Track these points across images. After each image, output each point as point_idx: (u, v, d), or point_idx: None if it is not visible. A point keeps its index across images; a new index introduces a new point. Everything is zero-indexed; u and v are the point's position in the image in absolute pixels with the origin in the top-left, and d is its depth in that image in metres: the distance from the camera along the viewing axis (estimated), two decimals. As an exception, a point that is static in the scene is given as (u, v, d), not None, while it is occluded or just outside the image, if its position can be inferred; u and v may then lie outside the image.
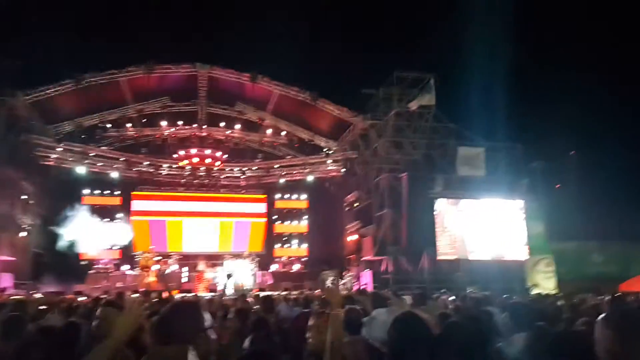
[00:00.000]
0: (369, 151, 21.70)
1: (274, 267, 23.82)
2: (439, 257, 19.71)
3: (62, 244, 20.29)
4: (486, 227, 20.53)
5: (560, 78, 24.64)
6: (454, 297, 10.78)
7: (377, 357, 3.47)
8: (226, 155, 24.93)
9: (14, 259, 19.01)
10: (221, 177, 26.04)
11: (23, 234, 20.79)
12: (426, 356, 2.47)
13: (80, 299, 12.02)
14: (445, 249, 20.06)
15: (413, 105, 20.04)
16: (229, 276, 18.82)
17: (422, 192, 19.73)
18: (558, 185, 23.37)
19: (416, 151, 20.76)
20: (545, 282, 20.02)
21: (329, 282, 21.17)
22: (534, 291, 17.84)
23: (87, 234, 21.20)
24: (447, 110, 21.00)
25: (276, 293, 13.09)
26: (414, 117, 20.81)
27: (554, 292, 16.81)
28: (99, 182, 24.76)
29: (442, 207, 20.33)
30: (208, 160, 24.64)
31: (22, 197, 21.03)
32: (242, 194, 27.17)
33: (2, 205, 18.71)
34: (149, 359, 1.54)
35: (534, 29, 26.79)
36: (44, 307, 7.06)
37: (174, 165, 25.08)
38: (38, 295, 13.90)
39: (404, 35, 27.13)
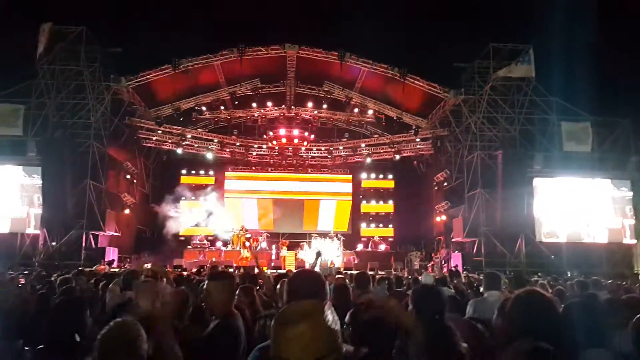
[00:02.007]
0: (461, 128, 20.82)
1: (359, 247, 23.80)
2: (543, 239, 18.69)
3: (161, 221, 21.74)
4: (587, 208, 19.27)
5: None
6: (548, 280, 10.13)
7: (480, 336, 3.28)
8: (313, 135, 25.16)
9: (119, 234, 20.50)
10: (308, 157, 26.39)
11: (127, 211, 22.41)
12: (550, 336, 2.24)
13: (179, 272, 12.77)
14: (543, 231, 18.98)
15: (502, 74, 18.83)
16: (318, 254, 19.05)
17: (519, 170, 18.70)
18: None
19: (513, 127, 19.59)
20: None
21: (416, 264, 20.85)
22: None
23: (184, 212, 22.51)
24: (546, 83, 19.59)
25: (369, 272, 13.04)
26: (511, 91, 19.60)
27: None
28: (195, 162, 26.16)
29: (540, 186, 19.22)
30: (296, 141, 25.04)
31: (127, 176, 22.69)
32: (329, 173, 27.38)
33: (109, 185, 20.22)
34: (294, 307, 1.48)
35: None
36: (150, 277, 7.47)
37: (264, 146, 25.80)
38: (148, 266, 15.02)
39: (499, 4, 25.42)
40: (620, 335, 2.76)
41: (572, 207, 19.31)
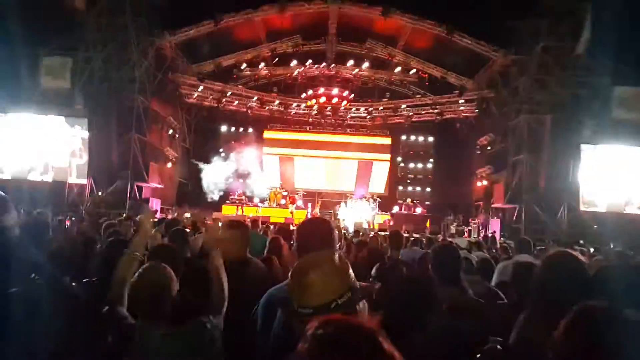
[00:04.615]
0: (508, 90, 19.97)
1: (395, 209, 23.65)
2: (582, 208, 18.03)
3: (202, 175, 22.27)
4: (631, 178, 18.27)
5: None
6: (593, 250, 9.78)
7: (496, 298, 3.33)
8: (353, 95, 24.75)
9: (161, 186, 21.19)
10: (347, 116, 26.10)
11: (169, 164, 23.03)
12: (578, 298, 2.15)
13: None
14: (589, 200, 18.27)
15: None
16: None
17: (567, 136, 17.90)
18: None
19: (563, 90, 18.62)
20: None
21: (452, 228, 20.60)
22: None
23: (221, 167, 22.88)
24: (602, 45, 18.33)
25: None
26: (564, 52, 18.54)
27: None
28: (235, 119, 26.37)
29: (586, 154, 18.38)
30: (335, 100, 24.70)
31: (169, 131, 23.19)
32: (368, 134, 27.07)
33: (153, 138, 20.74)
34: (305, 261, 1.65)
35: None
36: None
37: (303, 105, 25.64)
38: (188, 215, 15.60)
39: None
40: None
41: (616, 177, 18.41)
